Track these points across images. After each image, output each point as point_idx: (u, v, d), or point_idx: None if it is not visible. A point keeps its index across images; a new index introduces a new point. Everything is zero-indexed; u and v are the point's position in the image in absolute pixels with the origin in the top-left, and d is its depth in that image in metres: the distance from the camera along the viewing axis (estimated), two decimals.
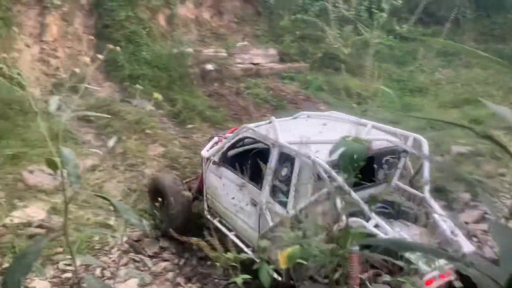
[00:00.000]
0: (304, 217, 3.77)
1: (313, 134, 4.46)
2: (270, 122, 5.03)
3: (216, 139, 5.97)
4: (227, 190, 5.14)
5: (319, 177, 3.90)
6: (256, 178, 4.65)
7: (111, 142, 4.19)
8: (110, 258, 5.35)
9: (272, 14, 14.81)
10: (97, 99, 9.55)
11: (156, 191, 5.78)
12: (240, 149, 5.46)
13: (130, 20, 12.31)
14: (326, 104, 11.38)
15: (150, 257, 5.55)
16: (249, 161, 4.99)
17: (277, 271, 3.98)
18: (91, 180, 6.79)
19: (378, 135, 4.46)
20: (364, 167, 3.73)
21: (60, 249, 5.20)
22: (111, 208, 6.16)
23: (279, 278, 4.09)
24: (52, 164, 1.44)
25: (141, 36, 12.20)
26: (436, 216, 3.86)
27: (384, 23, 13.16)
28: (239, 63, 13.36)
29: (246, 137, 5.15)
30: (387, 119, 9.92)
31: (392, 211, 4.04)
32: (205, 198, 5.66)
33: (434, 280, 3.44)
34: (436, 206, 4.03)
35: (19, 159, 6.97)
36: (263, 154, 4.77)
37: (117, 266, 5.14)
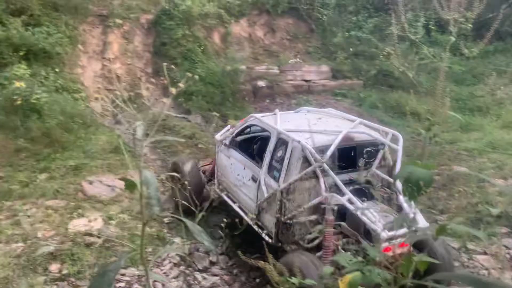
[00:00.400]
0: (292, 191, 4.73)
1: (307, 125, 5.20)
2: (274, 114, 5.82)
3: (229, 126, 6.81)
4: (233, 168, 5.91)
5: (306, 159, 4.68)
6: (257, 158, 5.50)
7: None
8: (161, 270, 5.43)
9: (325, 31, 14.77)
10: (153, 114, 9.87)
11: (176, 172, 6.46)
12: (248, 135, 6.27)
13: (186, 38, 12.73)
14: (381, 123, 11.08)
15: (200, 271, 5.58)
16: (253, 144, 5.97)
17: (268, 234, 5.13)
18: (146, 192, 6.97)
19: (364, 130, 5.20)
20: (346, 155, 4.90)
21: (115, 259, 5.35)
22: (165, 220, 6.31)
23: (270, 240, 4.99)
24: (130, 186, 1.46)
25: (196, 54, 12.57)
26: (401, 198, 4.51)
27: (443, 41, 12.77)
28: (291, 80, 13.39)
29: (253, 125, 5.95)
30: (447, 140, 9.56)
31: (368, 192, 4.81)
32: (216, 175, 6.47)
33: (392, 248, 4.07)
34: (401, 189, 4.40)
35: (80, 170, 7.32)
36: (265, 139, 5.55)
37: (168, 279, 5.21)
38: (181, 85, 1.70)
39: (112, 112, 10.46)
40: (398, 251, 4.00)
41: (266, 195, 5.07)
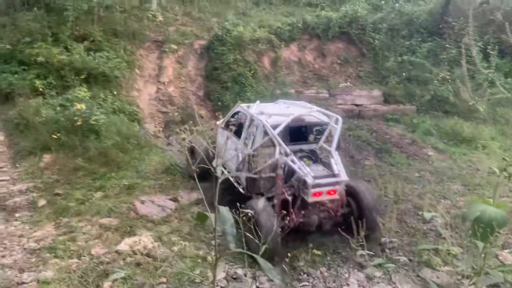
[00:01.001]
0: (256, 155, 6.48)
1: (275, 111, 6.98)
2: (254, 104, 7.54)
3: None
4: (225, 144, 7.74)
5: (266, 133, 6.38)
6: (239, 135, 7.10)
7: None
8: None
9: (377, 56, 14.56)
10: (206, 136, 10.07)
11: (192, 150, 8.24)
12: (236, 121, 7.84)
13: (237, 63, 12.99)
14: (435, 150, 10.64)
15: None
16: (239, 126, 7.32)
17: (243, 188, 6.84)
18: (195, 213, 7.04)
19: (315, 114, 6.89)
20: (299, 132, 6.83)
21: (164, 279, 5.39)
22: (212, 242, 6.31)
23: (242, 191, 6.82)
24: (201, 218, 1.48)
25: (246, 78, 12.78)
26: (332, 160, 6.33)
27: (503, 66, 12.22)
28: (341, 104, 13.24)
29: (239, 111, 7.67)
30: None
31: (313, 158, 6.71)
32: (216, 151, 7.79)
33: (322, 194, 6.00)
34: (335, 155, 6.43)
35: (133, 189, 7.52)
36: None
37: None
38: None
39: (164, 133, 10.77)
40: (327, 196, 6.10)
41: (240, 159, 6.88)
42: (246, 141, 6.80)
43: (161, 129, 11.26)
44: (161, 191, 7.65)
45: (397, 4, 15.78)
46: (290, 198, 6.15)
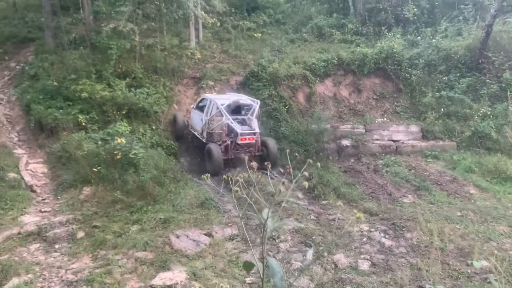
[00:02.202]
0: (212, 120, 11.02)
1: (223, 97, 11.65)
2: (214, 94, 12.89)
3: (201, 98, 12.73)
4: (195, 118, 11.99)
5: (217, 107, 10.87)
6: (203, 111, 11.70)
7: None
8: None
9: (414, 91, 14.38)
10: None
11: (174, 120, 12.54)
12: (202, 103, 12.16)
13: (272, 98, 13.14)
14: (476, 188, 10.20)
15: None
16: (204, 106, 11.71)
17: (204, 138, 11.59)
18: (229, 249, 6.97)
19: (247, 100, 11.47)
20: (237, 109, 12.11)
21: None
22: (246, 280, 6.20)
23: (204, 140, 11.37)
24: (247, 267, 1.48)
25: (281, 113, 12.87)
26: (252, 123, 11.13)
27: None
28: (377, 140, 13.05)
29: (203, 98, 11.91)
30: None
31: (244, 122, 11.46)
32: (190, 123, 12.63)
33: (246, 139, 10.79)
34: (253, 120, 11.14)
35: (168, 223, 7.54)
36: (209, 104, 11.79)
37: None
38: (305, 174, 1.77)
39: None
40: (249, 141, 10.76)
41: (203, 123, 11.18)
42: (207, 113, 11.09)
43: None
44: (196, 225, 7.65)
45: (434, 40, 15.66)
46: (229, 143, 10.77)
